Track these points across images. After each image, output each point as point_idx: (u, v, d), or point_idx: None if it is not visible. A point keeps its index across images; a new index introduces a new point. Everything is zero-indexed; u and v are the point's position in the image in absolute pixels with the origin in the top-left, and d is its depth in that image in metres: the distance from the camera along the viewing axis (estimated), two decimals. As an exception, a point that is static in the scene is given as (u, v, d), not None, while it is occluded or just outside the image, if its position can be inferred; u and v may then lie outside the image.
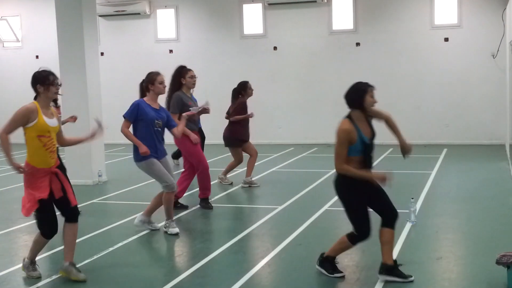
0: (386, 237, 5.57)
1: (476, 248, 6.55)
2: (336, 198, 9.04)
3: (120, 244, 6.97)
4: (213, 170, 9.67)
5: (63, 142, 6.08)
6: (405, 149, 5.83)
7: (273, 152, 14.52)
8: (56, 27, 11.14)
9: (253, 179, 10.44)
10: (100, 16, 16.91)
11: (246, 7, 16.77)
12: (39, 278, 5.82)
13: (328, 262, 5.72)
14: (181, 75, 8.58)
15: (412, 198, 7.67)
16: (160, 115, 7.21)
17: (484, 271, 5.68)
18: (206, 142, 10.79)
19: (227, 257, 6.40)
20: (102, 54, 16.72)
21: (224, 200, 9.39)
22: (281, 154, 14.36)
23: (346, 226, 7.73)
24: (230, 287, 5.45)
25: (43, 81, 5.62)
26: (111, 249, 6.78)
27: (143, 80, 7.31)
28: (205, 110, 8.35)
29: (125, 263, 6.43)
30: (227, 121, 10.31)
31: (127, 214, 8.38)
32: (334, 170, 5.53)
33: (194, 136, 8.39)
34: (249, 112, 10.29)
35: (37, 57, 18.21)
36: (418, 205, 8.36)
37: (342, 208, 5.63)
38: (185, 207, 8.74)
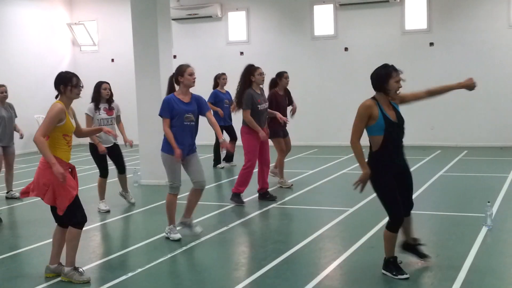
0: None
1: (557, 254, 6.32)
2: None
3: (193, 243, 7.08)
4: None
5: (80, 134, 6.25)
6: (468, 86, 6.00)
7: (344, 153, 14.40)
8: (132, 31, 11.43)
9: (288, 180, 10.57)
10: (173, 19, 17.24)
11: (317, 8, 16.73)
12: (88, 283, 5.82)
13: (391, 264, 5.66)
14: (250, 73, 8.92)
15: (489, 202, 7.45)
16: (191, 108, 7.18)
17: None
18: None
19: (298, 259, 6.41)
20: (175, 57, 17.04)
21: (294, 202, 9.40)
22: (352, 155, 14.20)
23: (420, 230, 7.62)
24: (303, 287, 5.47)
25: (67, 82, 5.77)
26: (185, 248, 6.90)
27: (173, 73, 7.31)
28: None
29: (198, 262, 6.54)
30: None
31: (198, 214, 8.49)
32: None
33: (262, 133, 8.80)
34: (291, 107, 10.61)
35: (112, 60, 18.74)
36: (495, 209, 8.12)
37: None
38: (273, 198, 9.26)
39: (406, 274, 5.58)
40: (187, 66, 7.22)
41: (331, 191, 10.16)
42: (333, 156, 14.03)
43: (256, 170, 9.32)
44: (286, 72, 10.50)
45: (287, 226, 8.14)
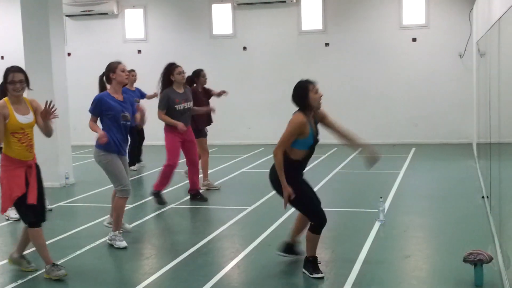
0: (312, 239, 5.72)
1: (444, 246, 6.61)
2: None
3: (88, 247, 6.88)
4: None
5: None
6: (372, 158, 5.87)
7: (242, 152, 14.50)
8: (22, 27, 10.96)
9: (215, 183, 10.43)
10: (66, 16, 16.73)
11: (215, 7, 16.72)
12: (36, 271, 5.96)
13: (310, 263, 5.72)
14: (170, 72, 8.78)
15: (381, 197, 7.70)
16: (126, 107, 6.97)
17: (452, 269, 5.73)
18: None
19: (196, 259, 6.35)
20: (69, 54, 16.56)
21: (192, 201, 9.32)
22: (251, 154, 14.34)
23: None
24: (200, 288, 5.44)
25: (5, 79, 5.67)
26: (78, 252, 6.68)
27: (103, 72, 7.05)
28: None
29: (93, 266, 6.35)
30: None
31: (95, 216, 8.29)
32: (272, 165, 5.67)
33: (180, 124, 8.61)
34: (210, 105, 10.24)
35: (2, 58, 17.90)
36: (387, 204, 8.40)
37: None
38: (205, 199, 9.18)
39: (322, 273, 5.64)
40: (118, 63, 7.03)
41: (230, 190, 10.17)
42: (233, 155, 14.07)
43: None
44: (203, 70, 10.35)
45: (185, 227, 8.07)
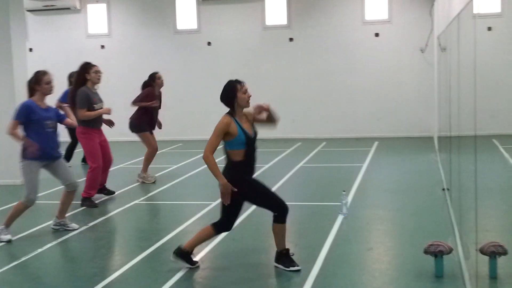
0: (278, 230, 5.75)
1: (405, 238, 6.71)
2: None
3: (50, 244, 6.81)
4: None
5: None
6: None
7: (208, 147, 14.46)
8: (-19, 22, 10.75)
9: (150, 174, 10.46)
10: (28, 11, 16.45)
11: (179, 2, 16.64)
12: None
13: (185, 255, 5.81)
14: (86, 70, 8.63)
15: (344, 191, 7.78)
16: (49, 115, 7.11)
17: (413, 260, 5.81)
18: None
19: (160, 255, 6.34)
20: (30, 50, 16.31)
21: (157, 197, 9.30)
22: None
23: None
24: (165, 283, 5.42)
25: None
26: (39, 250, 6.60)
27: (31, 78, 7.12)
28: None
29: (56, 263, 6.29)
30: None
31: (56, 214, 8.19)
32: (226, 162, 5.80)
33: (106, 110, 8.70)
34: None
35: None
36: (350, 197, 8.49)
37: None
38: (112, 192, 9.18)
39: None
40: (44, 73, 7.07)
41: (195, 185, 10.16)
42: (198, 151, 13.99)
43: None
44: (158, 73, 10.36)
45: (150, 222, 8.04)
